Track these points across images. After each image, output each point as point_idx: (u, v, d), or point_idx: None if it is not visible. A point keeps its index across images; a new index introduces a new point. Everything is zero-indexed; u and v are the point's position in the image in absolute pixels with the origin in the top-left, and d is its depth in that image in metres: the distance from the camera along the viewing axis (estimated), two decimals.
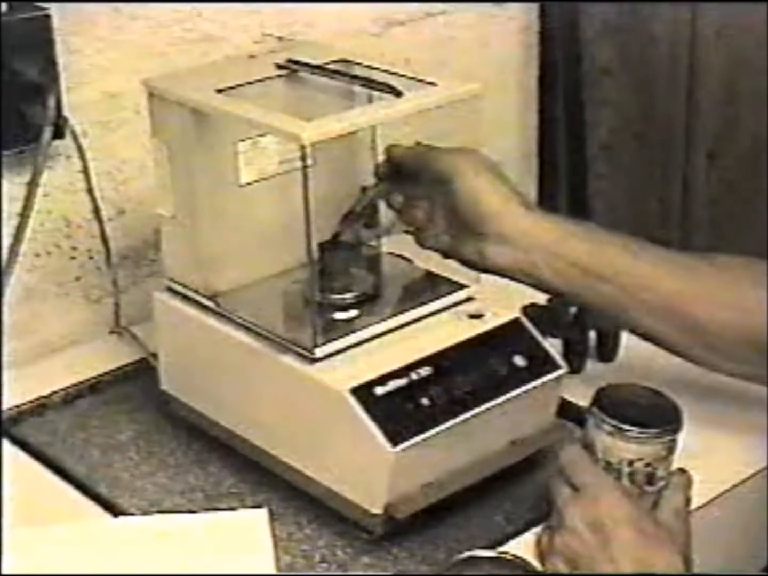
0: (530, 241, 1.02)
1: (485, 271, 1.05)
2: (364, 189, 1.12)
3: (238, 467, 1.06)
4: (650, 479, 0.94)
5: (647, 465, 0.94)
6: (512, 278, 1.04)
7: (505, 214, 1.02)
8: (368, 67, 1.05)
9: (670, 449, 0.94)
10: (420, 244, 1.07)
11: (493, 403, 0.98)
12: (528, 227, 1.02)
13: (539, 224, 1.03)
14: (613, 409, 0.94)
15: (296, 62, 1.07)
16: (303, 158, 0.92)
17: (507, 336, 1.02)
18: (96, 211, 1.21)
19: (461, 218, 1.03)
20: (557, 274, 1.02)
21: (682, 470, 0.96)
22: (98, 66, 1.21)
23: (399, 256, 1.14)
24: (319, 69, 1.06)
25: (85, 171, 1.19)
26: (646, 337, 1.06)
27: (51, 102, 1.12)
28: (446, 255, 1.07)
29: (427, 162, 1.04)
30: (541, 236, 1.02)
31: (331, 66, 1.06)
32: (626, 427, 0.92)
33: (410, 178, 1.05)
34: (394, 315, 1.02)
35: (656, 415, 0.94)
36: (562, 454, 0.95)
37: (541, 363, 1.02)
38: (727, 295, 1.02)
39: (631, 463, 0.93)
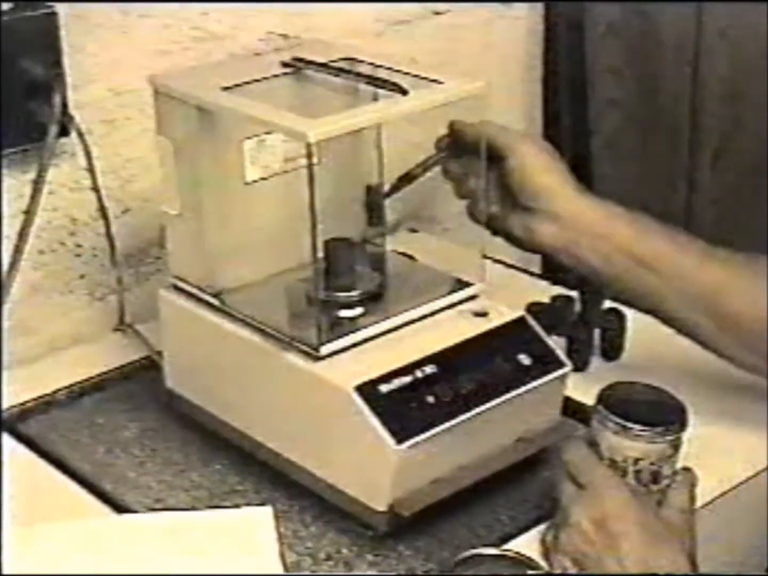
0: (577, 221, 1.04)
1: (530, 249, 1.08)
2: (368, 188, 1.12)
3: (242, 465, 1.06)
4: (655, 478, 0.94)
5: (652, 463, 0.94)
6: (555, 258, 1.07)
7: (556, 192, 1.04)
8: (373, 65, 1.06)
9: (676, 448, 0.94)
10: (470, 214, 1.08)
11: (497, 401, 0.98)
12: (577, 208, 1.04)
13: (588, 206, 1.05)
14: (618, 408, 0.94)
15: (302, 60, 1.07)
16: (309, 156, 0.92)
17: (512, 334, 1.02)
18: (101, 208, 1.21)
19: (514, 193, 1.06)
20: (600, 256, 1.04)
21: (687, 469, 0.96)
22: (104, 64, 1.21)
23: (404, 254, 1.14)
24: (324, 67, 1.06)
25: (91, 169, 1.19)
26: (679, 327, 1.07)
27: (57, 100, 1.12)
28: (494, 229, 1.09)
29: (487, 137, 1.05)
30: (588, 218, 1.04)
31: (337, 64, 1.06)
32: (631, 425, 0.92)
33: (469, 150, 1.06)
34: (399, 313, 1.02)
35: (661, 413, 0.94)
36: (567, 452, 0.95)
37: (546, 361, 1.02)
38: (764, 293, 1.02)
39: (636, 461, 0.93)
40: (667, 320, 1.07)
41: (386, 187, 1.07)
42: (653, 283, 1.04)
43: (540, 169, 1.05)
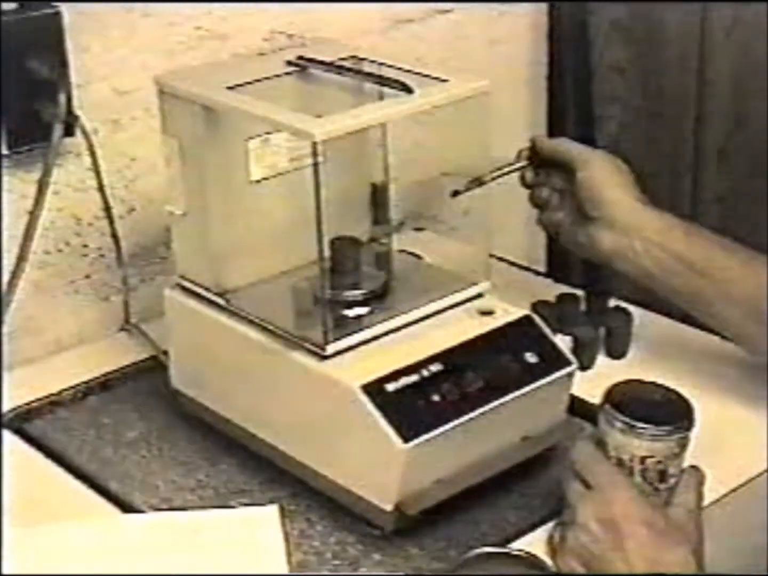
0: (634, 229, 1.11)
1: (592, 255, 1.15)
2: (374, 186, 1.12)
3: (249, 464, 1.06)
4: (662, 476, 0.94)
5: (659, 462, 0.94)
6: (614, 265, 1.14)
7: (618, 203, 1.12)
8: (379, 63, 1.05)
9: (683, 446, 0.94)
10: (540, 221, 1.18)
11: (503, 399, 0.98)
12: (635, 217, 1.12)
13: (646, 216, 1.12)
14: (625, 406, 0.93)
15: (307, 59, 1.07)
16: (314, 155, 0.92)
17: (517, 333, 1.02)
18: (106, 208, 1.21)
19: (581, 203, 1.13)
20: (655, 262, 1.11)
21: (694, 467, 0.96)
22: (109, 64, 1.21)
23: (409, 253, 1.14)
24: (329, 66, 1.06)
25: (96, 169, 1.19)
26: (722, 328, 1.13)
27: (61, 100, 1.12)
28: (559, 236, 1.17)
29: (563, 151, 1.16)
30: (645, 225, 1.11)
31: (342, 63, 1.06)
32: (638, 424, 0.92)
33: (545, 162, 1.16)
34: (405, 312, 1.01)
35: (668, 412, 0.94)
36: (574, 451, 0.95)
37: (552, 360, 1.02)
38: None
39: (643, 460, 0.93)
40: (712, 322, 1.13)
41: (452, 188, 1.12)
42: (703, 288, 1.10)
43: (606, 182, 1.13)
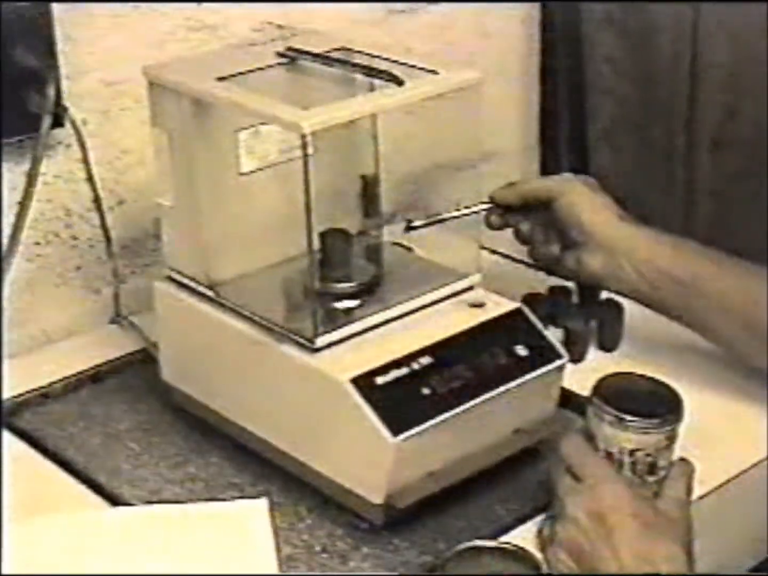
0: (621, 247, 1.11)
1: (584, 279, 1.15)
2: (364, 179, 1.11)
3: (238, 457, 1.06)
4: (651, 469, 0.94)
5: (648, 455, 0.93)
6: (606, 286, 1.15)
7: (600, 224, 1.12)
8: (369, 55, 1.05)
9: (672, 439, 0.94)
10: (531, 257, 1.18)
11: (494, 392, 0.97)
12: (620, 235, 1.12)
13: (631, 233, 1.12)
14: (613, 399, 0.93)
15: (297, 50, 1.06)
16: (303, 147, 0.92)
17: (508, 325, 1.02)
18: (96, 200, 1.21)
19: (565, 231, 1.13)
20: (643, 278, 1.10)
21: (684, 460, 0.96)
22: (98, 55, 1.21)
23: (400, 245, 1.14)
24: (319, 57, 1.05)
25: (85, 160, 1.18)
26: (717, 341, 1.13)
27: (50, 91, 1.11)
28: (551, 268, 1.17)
29: (537, 189, 1.16)
30: (631, 244, 1.11)
31: (332, 54, 1.06)
32: (627, 417, 0.92)
33: (520, 207, 1.16)
34: (395, 304, 1.01)
35: (657, 404, 0.94)
36: (563, 444, 0.95)
37: (543, 352, 1.01)
38: None
39: (632, 453, 0.93)
40: (708, 335, 1.13)
41: (408, 223, 1.12)
42: (694, 302, 1.09)
43: (584, 205, 1.13)
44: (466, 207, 1.13)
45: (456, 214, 1.13)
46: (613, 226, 1.12)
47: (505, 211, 1.16)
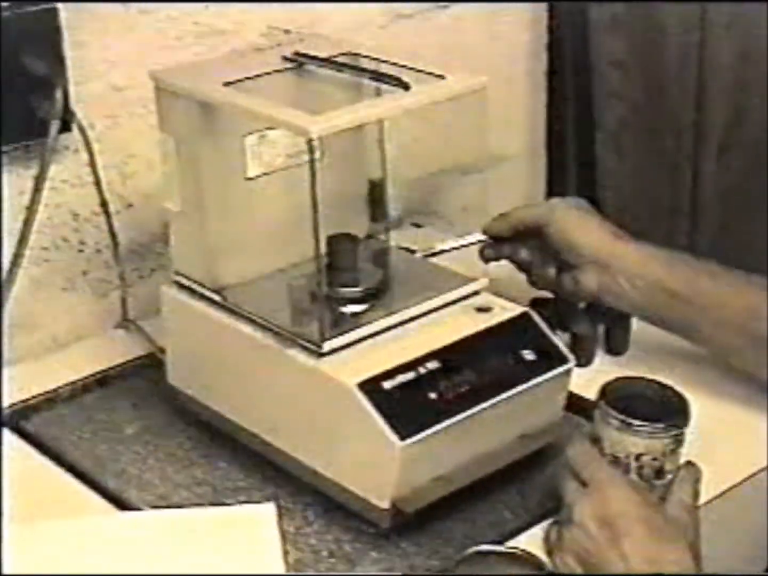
0: (615, 263, 1.11)
1: (584, 299, 1.16)
2: (371, 183, 1.11)
3: (245, 462, 1.06)
4: (658, 473, 0.94)
5: (655, 459, 0.93)
6: (606, 303, 1.14)
7: (593, 242, 1.13)
8: (376, 59, 1.05)
9: (678, 443, 0.94)
10: (531, 283, 1.19)
11: (501, 397, 0.97)
12: (613, 252, 1.12)
13: (624, 249, 1.12)
14: (619, 404, 0.93)
15: (304, 55, 1.06)
16: (310, 152, 0.92)
17: (515, 330, 1.02)
18: (103, 204, 1.21)
19: (559, 255, 1.14)
20: (639, 293, 1.11)
21: (691, 464, 0.96)
22: (106, 60, 1.21)
23: (407, 249, 1.14)
24: (326, 62, 1.05)
25: (93, 165, 1.18)
26: (715, 351, 1.13)
27: (58, 95, 1.12)
28: (553, 290, 1.18)
29: (523, 218, 1.16)
30: (625, 259, 1.11)
31: (339, 59, 1.06)
32: (633, 421, 0.92)
33: (514, 237, 1.17)
34: (402, 309, 1.01)
35: (664, 408, 0.94)
36: (569, 448, 0.95)
37: (550, 357, 1.01)
38: None
39: (638, 457, 0.93)
40: (710, 348, 1.13)
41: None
42: (690, 314, 1.10)
43: (574, 229, 1.13)
44: (460, 237, 1.16)
45: (448, 246, 1.15)
46: (607, 244, 1.12)
47: (498, 242, 1.17)
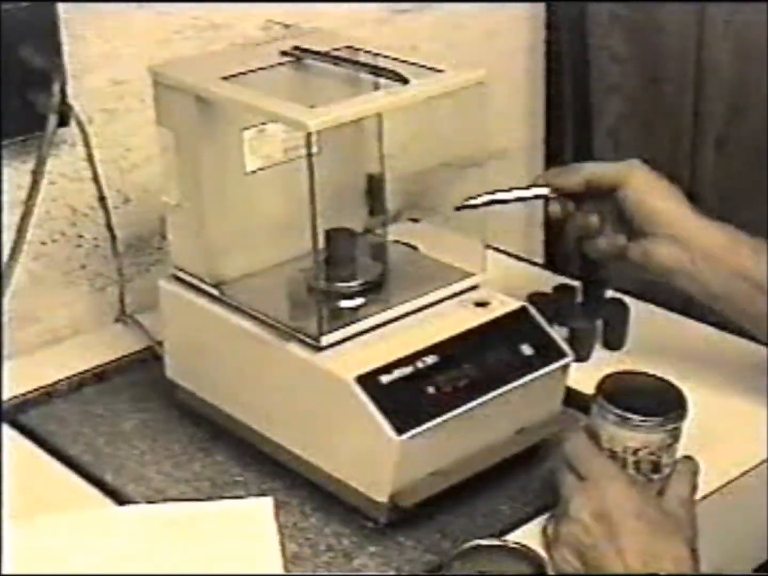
0: (696, 242, 1.04)
1: (650, 273, 1.08)
2: (369, 177, 1.11)
3: (243, 456, 1.06)
4: (655, 467, 0.94)
5: (652, 453, 0.93)
6: (674, 282, 1.07)
7: (674, 214, 1.05)
8: (374, 54, 1.05)
9: (675, 437, 0.94)
10: (589, 251, 1.10)
11: (499, 391, 0.97)
12: (696, 229, 1.05)
13: (708, 228, 1.05)
14: (616, 398, 0.93)
15: (302, 49, 1.06)
16: (308, 146, 0.92)
17: (513, 324, 1.02)
18: (101, 199, 1.21)
19: (631, 221, 1.06)
20: (718, 279, 1.04)
21: (688, 458, 0.96)
22: (103, 53, 1.21)
23: (405, 244, 1.14)
24: (324, 56, 1.05)
25: (90, 159, 1.18)
26: None
27: (56, 89, 1.11)
28: (613, 259, 1.10)
29: (598, 175, 1.07)
30: (708, 239, 1.05)
31: (337, 53, 1.06)
32: (630, 415, 0.92)
33: (578, 194, 1.08)
34: (400, 303, 1.01)
35: (660, 402, 0.94)
36: (567, 443, 0.95)
37: (548, 351, 1.01)
38: None
39: (635, 451, 0.93)
40: None
41: (464, 201, 1.06)
42: None
43: (655, 194, 1.06)
44: (520, 189, 1.08)
45: (512, 196, 1.07)
46: (689, 219, 1.05)
47: (564, 197, 1.08)
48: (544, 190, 1.10)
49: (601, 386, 0.95)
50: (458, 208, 1.05)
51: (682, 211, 1.06)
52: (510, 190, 1.08)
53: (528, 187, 1.09)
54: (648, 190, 1.06)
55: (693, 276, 1.05)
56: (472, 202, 1.05)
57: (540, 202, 1.13)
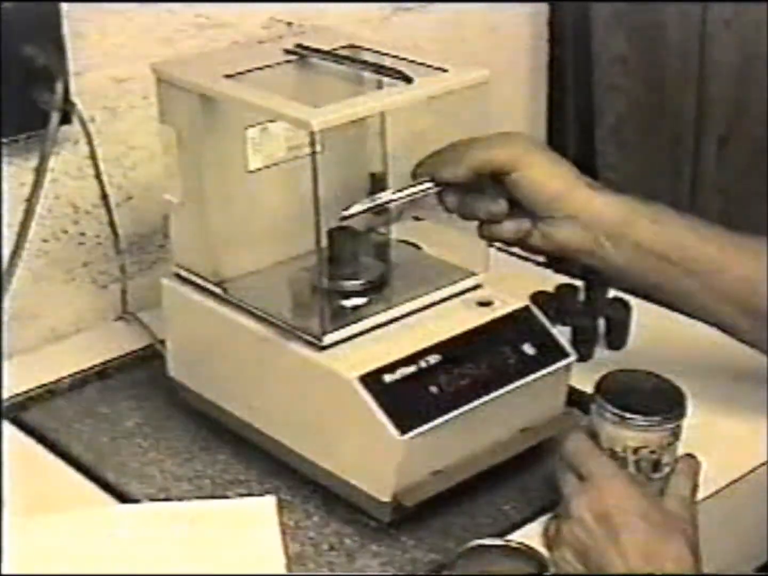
0: (596, 219, 1.00)
1: (553, 255, 1.05)
2: (373, 176, 1.11)
3: (246, 455, 1.06)
4: (656, 466, 0.94)
5: (652, 452, 0.93)
6: (577, 260, 1.03)
7: (569, 194, 1.00)
8: (378, 52, 1.05)
9: (675, 435, 0.94)
10: (482, 236, 1.04)
11: (501, 391, 0.97)
12: (593, 206, 1.00)
13: (605, 203, 1.01)
14: (616, 397, 0.93)
15: (305, 47, 1.06)
16: (312, 145, 0.92)
17: (516, 324, 1.01)
18: (104, 196, 1.21)
19: (526, 205, 1.01)
20: (623, 254, 1.00)
21: (689, 456, 0.96)
22: (106, 51, 1.21)
23: (408, 243, 1.14)
24: (328, 54, 1.05)
25: (93, 157, 1.18)
26: (715, 323, 1.04)
27: (59, 87, 1.11)
28: (512, 244, 1.05)
29: (487, 160, 1.00)
30: (606, 215, 1.00)
31: (341, 51, 1.06)
32: (629, 415, 0.92)
33: (471, 181, 1.02)
34: (403, 302, 1.01)
35: (660, 401, 0.94)
36: (567, 442, 0.94)
37: (550, 351, 1.01)
38: None
39: (635, 451, 0.93)
40: (706, 318, 1.04)
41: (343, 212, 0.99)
42: (682, 281, 1.01)
43: (547, 175, 1.00)
44: (404, 189, 1.01)
45: (395, 197, 1.01)
46: (585, 197, 1.00)
47: (454, 189, 1.01)
48: (430, 185, 1.02)
49: (599, 385, 0.95)
50: (342, 219, 0.99)
51: (577, 189, 1.01)
52: (394, 192, 1.02)
53: (413, 185, 1.02)
54: (540, 171, 1.00)
55: (599, 255, 1.01)
56: (352, 211, 0.99)
57: None
